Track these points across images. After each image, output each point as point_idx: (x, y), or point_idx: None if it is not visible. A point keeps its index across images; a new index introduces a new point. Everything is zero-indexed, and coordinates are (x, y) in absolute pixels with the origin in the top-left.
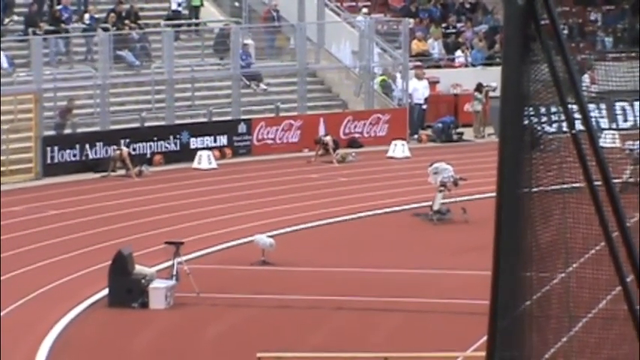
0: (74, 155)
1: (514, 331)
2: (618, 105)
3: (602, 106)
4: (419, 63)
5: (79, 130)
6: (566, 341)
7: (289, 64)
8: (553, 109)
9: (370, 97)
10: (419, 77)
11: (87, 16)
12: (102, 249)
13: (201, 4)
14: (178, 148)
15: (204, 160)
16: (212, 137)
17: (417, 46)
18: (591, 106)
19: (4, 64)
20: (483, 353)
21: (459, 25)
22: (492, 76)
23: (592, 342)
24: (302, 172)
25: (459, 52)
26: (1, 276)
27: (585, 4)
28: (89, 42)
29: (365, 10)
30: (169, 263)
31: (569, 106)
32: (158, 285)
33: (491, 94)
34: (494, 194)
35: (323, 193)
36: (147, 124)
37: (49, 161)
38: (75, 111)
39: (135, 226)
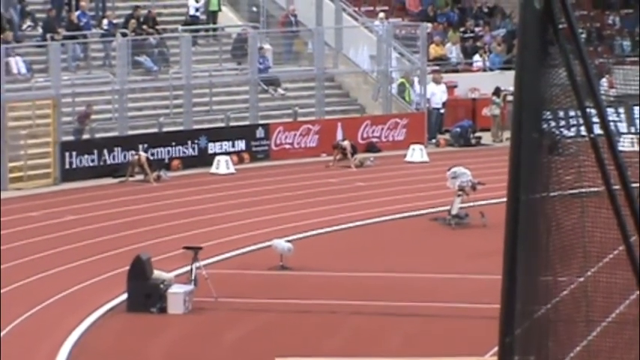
0: (92, 160)
1: (530, 336)
2: (637, 109)
3: (621, 110)
4: (437, 67)
5: (98, 136)
6: (583, 346)
7: (307, 69)
8: (571, 113)
9: (388, 102)
10: (437, 81)
11: (105, 21)
12: (120, 254)
13: (219, 9)
14: (196, 153)
15: (222, 165)
16: (230, 142)
17: (434, 50)
18: (609, 110)
19: (23, 70)
20: None
21: (476, 29)
22: (510, 80)
23: (608, 347)
24: (320, 176)
25: (476, 57)
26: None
27: (603, 7)
28: (107, 47)
29: (382, 14)
30: (188, 268)
31: (588, 110)
32: (176, 290)
33: (509, 98)
34: None
35: (341, 197)
36: (165, 129)
37: (67, 166)
38: (93, 116)
39: (153, 231)
